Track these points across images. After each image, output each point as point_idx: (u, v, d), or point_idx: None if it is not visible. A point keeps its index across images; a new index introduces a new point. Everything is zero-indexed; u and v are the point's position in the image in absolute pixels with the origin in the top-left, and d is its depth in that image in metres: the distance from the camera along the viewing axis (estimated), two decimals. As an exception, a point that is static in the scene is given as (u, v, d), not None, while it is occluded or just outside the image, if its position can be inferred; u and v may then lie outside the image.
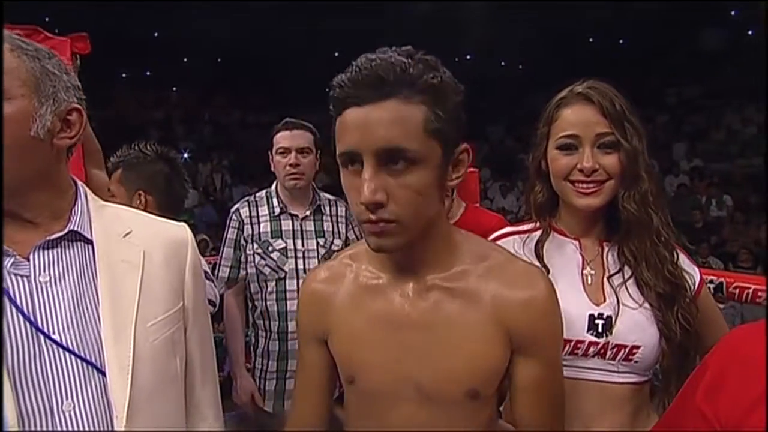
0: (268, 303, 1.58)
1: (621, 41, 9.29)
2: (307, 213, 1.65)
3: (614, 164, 0.80)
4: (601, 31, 10.20)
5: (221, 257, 1.65)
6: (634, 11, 8.98)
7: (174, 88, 11.59)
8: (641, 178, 0.80)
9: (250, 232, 1.61)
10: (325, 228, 1.65)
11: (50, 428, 0.58)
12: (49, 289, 0.63)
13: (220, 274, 1.63)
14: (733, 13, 9.80)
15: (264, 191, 1.70)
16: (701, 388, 0.50)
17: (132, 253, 0.68)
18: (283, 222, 1.62)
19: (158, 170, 1.37)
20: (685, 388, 0.55)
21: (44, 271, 0.63)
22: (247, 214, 1.63)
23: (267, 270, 1.57)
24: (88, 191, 0.72)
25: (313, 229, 1.64)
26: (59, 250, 0.65)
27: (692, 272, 0.85)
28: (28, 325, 0.60)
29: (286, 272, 1.57)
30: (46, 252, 0.64)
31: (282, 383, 1.59)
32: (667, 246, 0.81)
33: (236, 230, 1.63)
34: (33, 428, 0.58)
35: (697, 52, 9.40)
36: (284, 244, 1.59)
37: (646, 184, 0.80)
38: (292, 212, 1.63)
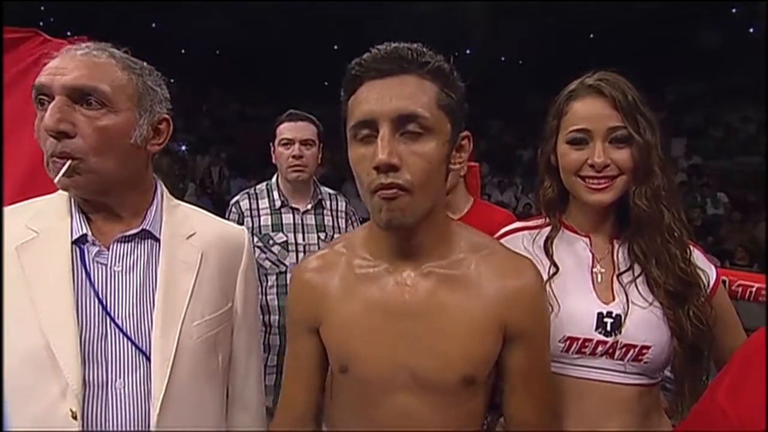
0: (268, 297, 1.55)
1: (620, 38, 9.26)
2: (308, 207, 1.63)
3: (626, 159, 0.78)
4: (600, 27, 10.17)
5: None
6: (634, 8, 8.95)
7: (172, 81, 11.50)
8: (654, 173, 0.78)
9: (251, 225, 1.58)
10: (325, 222, 1.63)
11: (104, 400, 0.67)
12: (121, 278, 0.70)
13: None
14: (733, 10, 9.78)
15: (264, 184, 1.67)
16: (723, 386, 0.50)
17: (191, 255, 0.75)
18: (284, 215, 1.60)
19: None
20: (711, 386, 0.54)
21: (119, 261, 0.71)
22: (248, 206, 1.61)
23: (267, 264, 1.55)
24: (165, 191, 0.80)
25: (314, 223, 1.61)
26: (132, 244, 0.73)
27: (708, 270, 0.82)
28: (101, 308, 0.68)
29: (287, 266, 1.55)
30: (122, 245, 0.72)
31: (281, 378, 1.57)
32: (679, 243, 0.79)
33: (236, 223, 1.61)
34: (92, 396, 0.66)
35: (697, 50, 9.38)
36: (285, 238, 1.57)
37: (659, 179, 0.78)
38: (293, 206, 1.61)
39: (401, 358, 0.67)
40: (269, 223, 1.59)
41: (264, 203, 1.62)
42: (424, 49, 0.64)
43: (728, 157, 8.17)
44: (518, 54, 11.53)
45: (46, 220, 0.70)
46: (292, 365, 0.78)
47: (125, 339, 0.68)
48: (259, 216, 1.60)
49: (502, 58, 11.80)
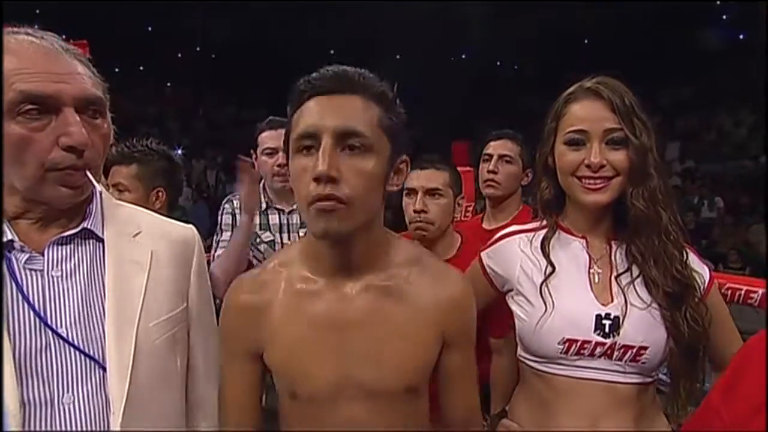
0: None
1: (614, 42, 9.38)
2: (294, 207, 1.64)
3: (622, 160, 0.79)
4: (595, 32, 10.28)
5: (217, 241, 1.63)
6: (628, 12, 9.07)
7: (168, 84, 11.47)
8: (650, 175, 0.79)
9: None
10: None
11: (49, 419, 0.60)
12: (60, 283, 0.65)
13: (215, 255, 1.60)
14: (724, 16, 9.93)
15: None
16: (718, 387, 0.50)
17: (140, 254, 0.70)
18: (270, 216, 1.63)
19: (168, 168, 1.40)
20: (711, 389, 0.55)
21: (57, 266, 0.65)
22: (239, 205, 1.63)
23: (254, 262, 1.57)
24: (103, 189, 0.74)
25: (298, 222, 1.64)
26: (72, 246, 0.67)
27: (702, 271, 0.83)
28: (37, 319, 0.62)
29: None
30: (59, 248, 0.66)
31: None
32: (676, 244, 0.80)
33: (231, 215, 1.63)
34: (33, 417, 0.60)
35: (690, 54, 9.51)
36: (272, 237, 1.60)
37: (655, 180, 0.79)
38: (278, 207, 1.64)
39: (348, 371, 0.69)
40: (257, 222, 1.60)
41: None
42: (369, 75, 0.68)
43: (721, 161, 8.26)
44: (514, 58, 11.62)
45: None
46: (228, 396, 0.76)
47: (71, 349, 0.62)
48: None
49: (498, 63, 11.89)
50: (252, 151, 1.64)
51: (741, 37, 9.65)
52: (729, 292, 1.65)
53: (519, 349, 0.90)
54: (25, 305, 0.62)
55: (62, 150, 0.62)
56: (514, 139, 1.61)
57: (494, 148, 1.61)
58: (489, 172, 1.58)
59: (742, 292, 1.66)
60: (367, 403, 0.70)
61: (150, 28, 10.55)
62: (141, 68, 11.23)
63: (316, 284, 0.71)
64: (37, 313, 0.62)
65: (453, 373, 0.76)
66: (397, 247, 0.74)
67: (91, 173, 0.66)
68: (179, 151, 8.62)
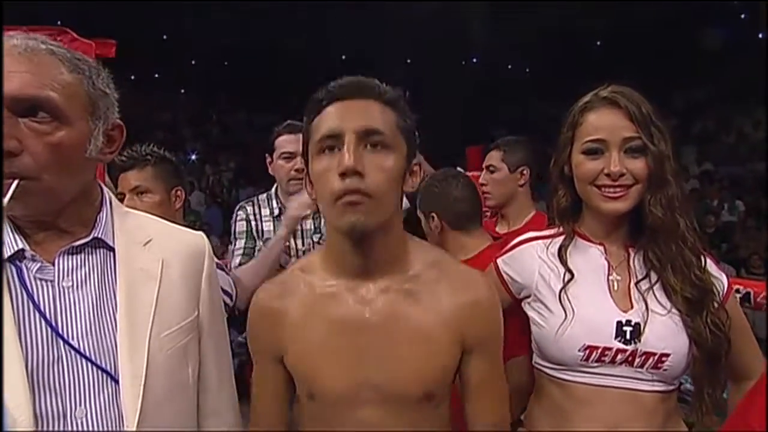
0: None
1: (628, 44, 9.26)
2: (308, 212, 1.63)
3: (641, 168, 0.79)
4: (608, 34, 10.17)
5: (233, 249, 1.64)
6: (641, 14, 8.94)
7: (182, 90, 11.68)
8: (668, 182, 0.78)
9: (255, 227, 1.62)
10: (322, 224, 1.63)
11: None
12: (71, 294, 0.63)
13: (232, 264, 1.61)
14: (742, 15, 9.73)
15: (265, 194, 1.71)
16: (756, 409, 0.48)
17: (151, 262, 0.69)
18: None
19: (176, 168, 1.42)
20: (741, 404, 0.52)
21: (68, 275, 0.64)
22: (252, 211, 1.65)
23: None
24: (113, 197, 0.73)
25: (311, 227, 1.64)
26: (83, 255, 0.65)
27: (720, 278, 0.83)
28: (49, 329, 0.61)
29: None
30: (70, 257, 0.65)
31: None
32: (693, 250, 0.80)
33: (245, 222, 1.64)
34: (46, 430, 0.58)
35: (706, 55, 9.34)
36: (288, 243, 1.59)
37: (673, 188, 0.79)
38: None
39: (365, 373, 0.69)
40: (272, 228, 1.62)
41: (266, 211, 1.66)
42: (383, 84, 0.72)
43: (740, 163, 8.07)
44: (523, 62, 11.55)
45: None
46: (260, 392, 0.79)
47: (84, 361, 0.61)
48: (262, 221, 1.64)
49: (509, 66, 11.82)
50: (268, 155, 1.64)
51: (760, 35, 9.44)
52: (766, 301, 1.60)
53: (535, 356, 0.89)
54: (37, 316, 0.60)
55: None
56: (496, 147, 1.67)
57: (484, 163, 1.70)
58: (481, 185, 1.65)
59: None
60: (384, 407, 0.69)
61: (164, 36, 10.76)
62: (156, 75, 11.45)
63: (335, 287, 0.72)
64: (49, 324, 0.60)
65: (477, 383, 0.74)
66: (417, 250, 0.74)
67: (36, 185, 0.59)
68: (192, 157, 8.77)
